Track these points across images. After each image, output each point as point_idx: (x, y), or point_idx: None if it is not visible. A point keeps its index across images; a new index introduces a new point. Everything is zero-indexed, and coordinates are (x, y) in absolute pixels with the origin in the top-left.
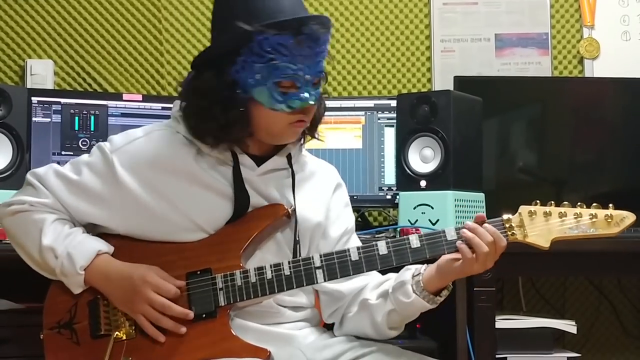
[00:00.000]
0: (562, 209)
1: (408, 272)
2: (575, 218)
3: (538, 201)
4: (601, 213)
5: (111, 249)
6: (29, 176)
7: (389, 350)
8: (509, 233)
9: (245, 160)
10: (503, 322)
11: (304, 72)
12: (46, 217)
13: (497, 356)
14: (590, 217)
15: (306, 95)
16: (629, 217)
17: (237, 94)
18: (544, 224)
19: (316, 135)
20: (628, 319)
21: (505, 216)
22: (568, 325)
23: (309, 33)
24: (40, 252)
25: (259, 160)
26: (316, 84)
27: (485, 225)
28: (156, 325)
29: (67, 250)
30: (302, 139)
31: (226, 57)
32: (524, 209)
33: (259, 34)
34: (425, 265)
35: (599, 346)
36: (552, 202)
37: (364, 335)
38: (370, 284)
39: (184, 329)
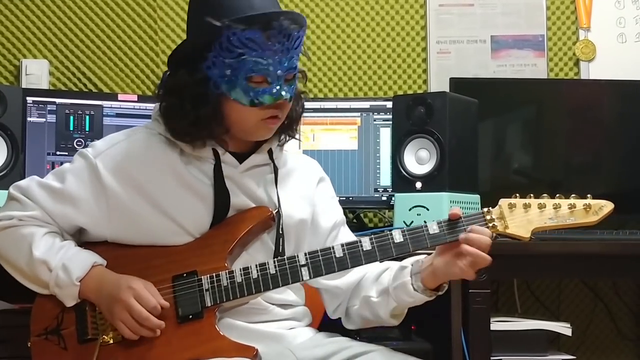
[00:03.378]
0: (541, 201)
1: (406, 271)
2: (554, 208)
3: (517, 194)
4: (579, 202)
5: (104, 262)
6: (12, 190)
7: (382, 352)
8: (490, 225)
9: (227, 158)
10: (498, 324)
11: (274, 67)
12: (35, 230)
13: (492, 358)
14: (569, 206)
15: (277, 90)
16: (607, 206)
17: (209, 91)
18: (524, 215)
19: (295, 135)
20: (623, 321)
21: (485, 209)
22: (563, 328)
23: (278, 28)
24: (32, 266)
25: (241, 158)
26: (289, 81)
27: (481, 231)
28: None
29: (62, 261)
30: (281, 138)
31: (198, 54)
32: (503, 202)
33: (228, 29)
34: (421, 259)
35: (593, 348)
36: (531, 194)
37: (369, 325)
38: (369, 277)
39: (158, 332)
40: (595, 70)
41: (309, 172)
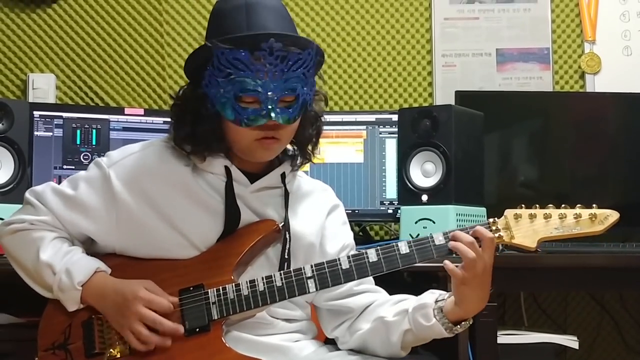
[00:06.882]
0: (546, 211)
1: (431, 296)
2: (559, 218)
3: (523, 205)
4: (585, 212)
5: (108, 269)
6: (27, 194)
7: None
8: (496, 235)
9: (238, 176)
10: (505, 337)
11: (265, 88)
12: (45, 235)
13: None
14: (575, 216)
15: (266, 112)
16: (612, 215)
17: (206, 108)
18: (530, 225)
19: (307, 156)
20: (630, 334)
21: (491, 219)
22: (570, 341)
23: (268, 50)
24: (38, 268)
25: (253, 178)
26: (289, 102)
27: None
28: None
29: (66, 266)
30: (293, 162)
31: (198, 71)
32: (509, 212)
33: (217, 48)
34: (448, 293)
35: None
36: (537, 205)
37: (371, 353)
38: (387, 302)
39: (169, 342)
40: (600, 83)
41: (322, 200)
